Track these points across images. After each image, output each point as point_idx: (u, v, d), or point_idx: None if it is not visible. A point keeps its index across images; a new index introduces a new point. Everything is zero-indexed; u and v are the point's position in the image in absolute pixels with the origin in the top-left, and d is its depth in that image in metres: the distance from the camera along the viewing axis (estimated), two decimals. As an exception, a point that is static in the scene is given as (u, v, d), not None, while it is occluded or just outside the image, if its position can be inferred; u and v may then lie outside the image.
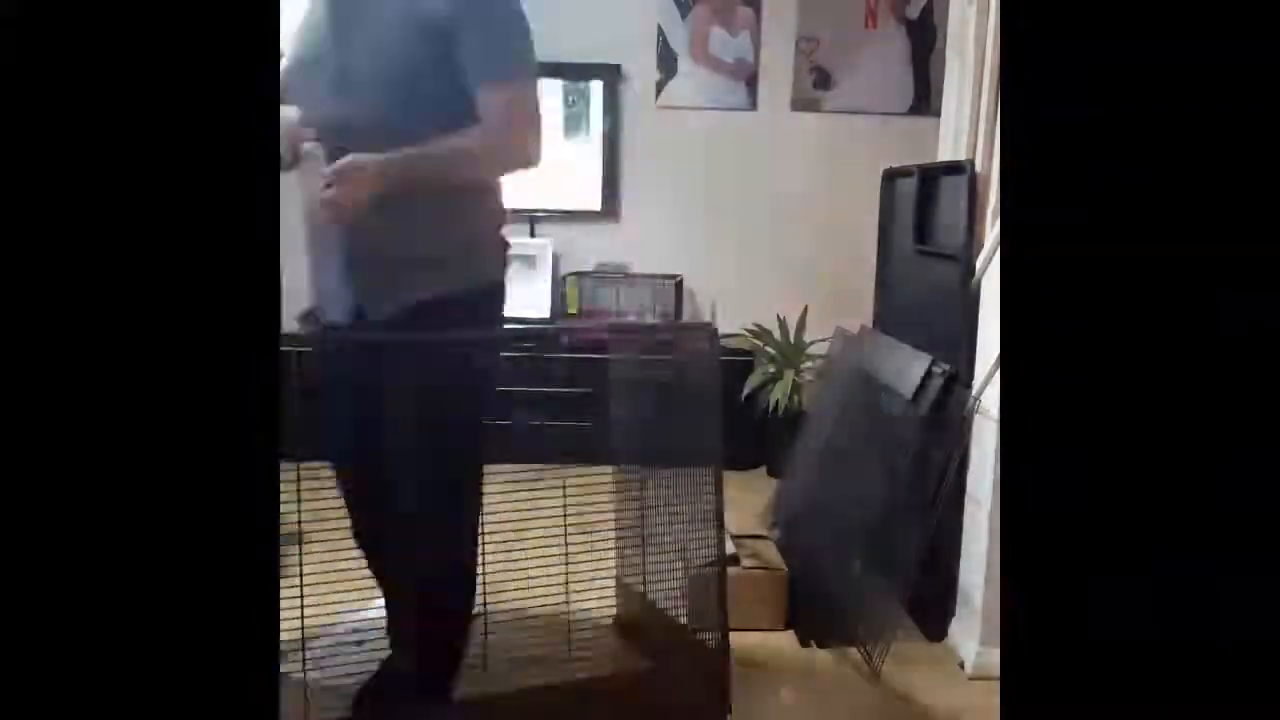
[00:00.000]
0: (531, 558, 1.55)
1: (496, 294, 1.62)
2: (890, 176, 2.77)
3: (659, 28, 3.72)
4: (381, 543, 1.59)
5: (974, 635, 2.06)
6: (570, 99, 3.72)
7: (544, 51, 3.37)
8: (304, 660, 1.52)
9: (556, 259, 3.72)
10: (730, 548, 2.43)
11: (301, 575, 1.33)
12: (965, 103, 2.26)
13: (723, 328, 3.33)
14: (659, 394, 1.83)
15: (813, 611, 2.25)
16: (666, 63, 3.74)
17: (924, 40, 3.69)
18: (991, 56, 2.14)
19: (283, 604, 0.92)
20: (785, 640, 2.21)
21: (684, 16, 3.71)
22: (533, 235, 3.75)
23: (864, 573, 2.31)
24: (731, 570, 2.34)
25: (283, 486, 0.91)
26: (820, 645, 2.18)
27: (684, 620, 1.86)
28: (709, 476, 1.67)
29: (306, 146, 1.38)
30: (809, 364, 3.45)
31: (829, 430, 2.79)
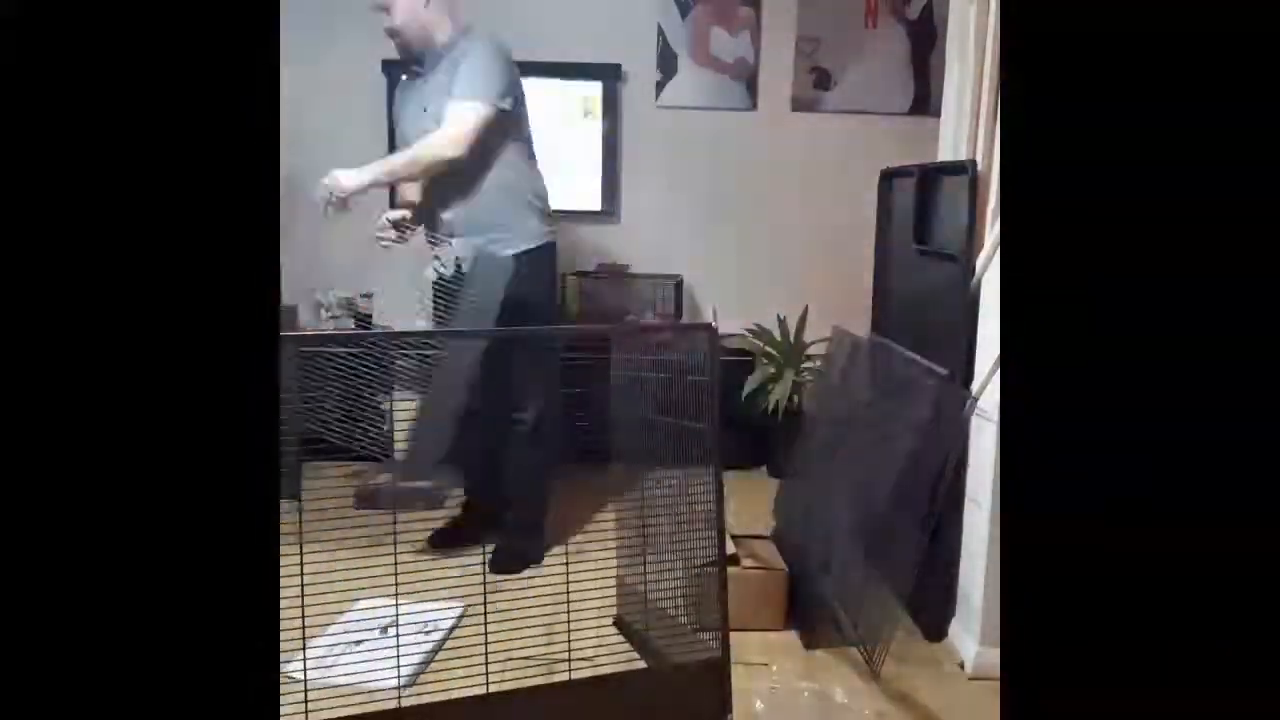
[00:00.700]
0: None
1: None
2: (888, 176, 2.77)
3: (659, 27, 3.72)
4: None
5: (974, 635, 2.06)
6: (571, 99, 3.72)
7: (545, 51, 3.39)
8: (304, 660, 1.52)
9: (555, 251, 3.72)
10: (730, 548, 2.44)
11: (302, 575, 1.33)
12: (965, 103, 2.26)
13: (723, 328, 3.32)
14: (659, 394, 1.84)
15: (813, 612, 2.25)
16: (666, 63, 3.74)
17: (924, 40, 3.69)
18: (992, 56, 2.14)
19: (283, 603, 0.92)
20: (785, 640, 2.21)
21: (684, 16, 3.71)
22: (533, 235, 3.75)
23: (864, 573, 2.31)
24: (731, 570, 2.34)
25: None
26: (820, 645, 2.18)
27: (684, 620, 1.86)
28: (708, 477, 1.67)
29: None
30: (809, 364, 3.45)
31: (828, 431, 2.79)
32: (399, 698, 1.46)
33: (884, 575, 2.29)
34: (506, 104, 2.40)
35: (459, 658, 1.52)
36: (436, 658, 1.88)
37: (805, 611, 2.26)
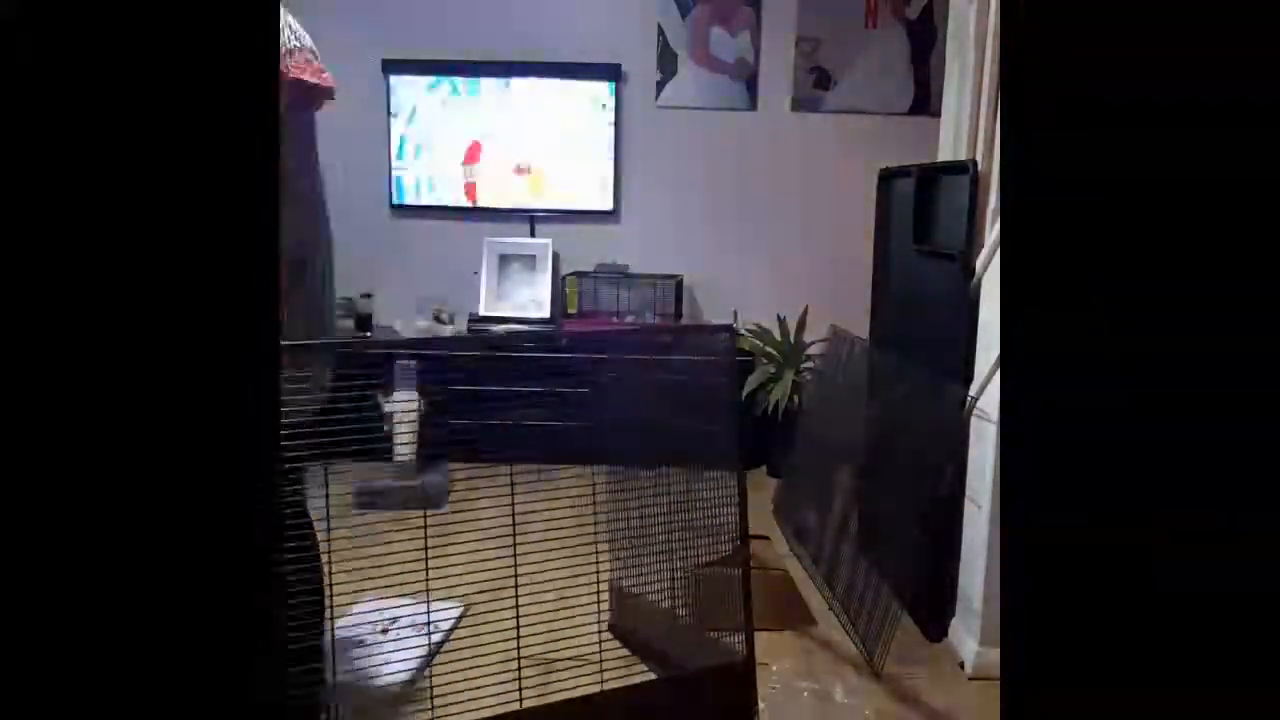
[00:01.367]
0: (539, 560, 1.55)
1: None
2: (887, 176, 2.77)
3: (659, 27, 3.72)
4: None
5: (974, 635, 2.06)
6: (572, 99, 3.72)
7: (544, 52, 3.39)
8: (333, 662, 1.52)
9: (557, 259, 3.73)
10: (729, 548, 2.44)
11: (330, 581, 1.33)
12: (965, 102, 2.26)
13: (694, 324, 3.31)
14: (676, 395, 1.85)
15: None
16: (666, 63, 3.74)
17: (924, 40, 3.69)
18: (992, 56, 2.14)
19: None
20: (785, 640, 2.22)
21: (684, 16, 3.71)
22: (533, 235, 3.75)
23: (865, 573, 2.31)
24: (731, 570, 2.34)
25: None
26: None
27: (688, 623, 1.86)
28: (727, 478, 1.68)
29: None
30: (808, 364, 3.46)
31: (828, 432, 2.79)
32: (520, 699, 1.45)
33: (884, 575, 2.29)
34: None
35: (476, 664, 1.50)
36: (446, 661, 1.87)
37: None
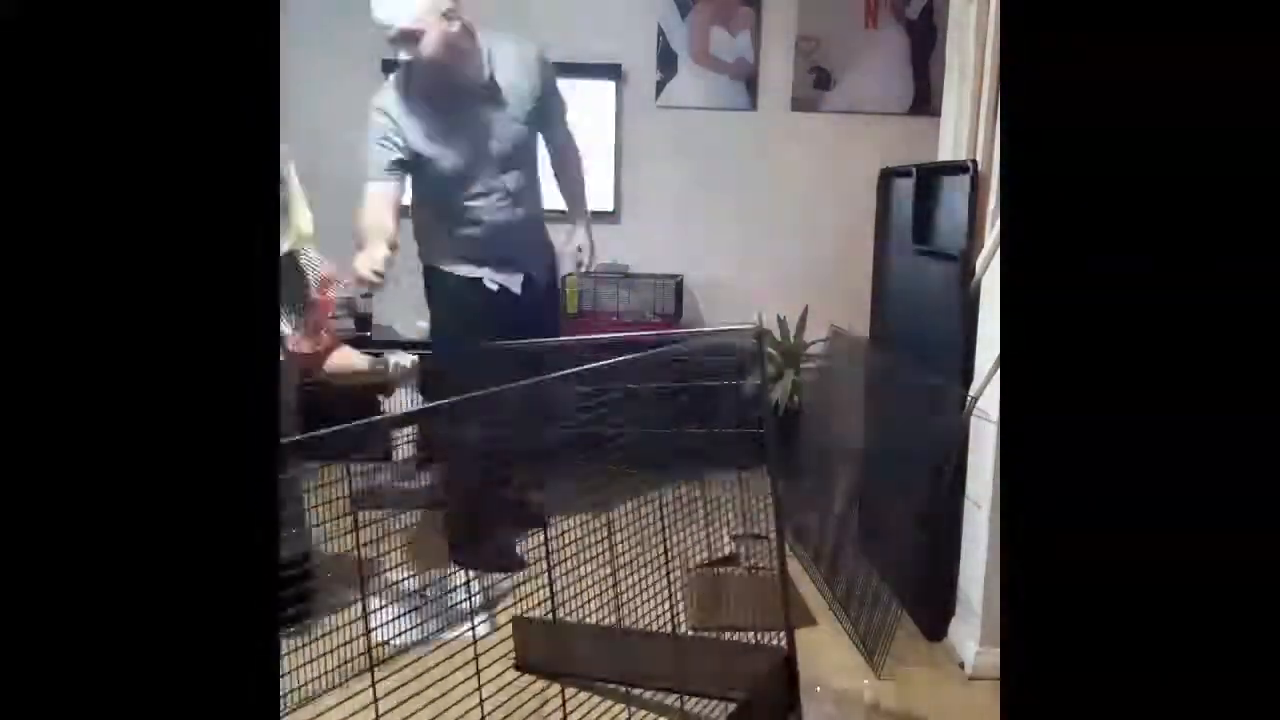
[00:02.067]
0: (579, 569, 1.56)
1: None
2: (887, 176, 2.77)
3: (659, 27, 3.72)
4: None
5: (974, 635, 2.06)
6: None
7: (545, 51, 3.38)
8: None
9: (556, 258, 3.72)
10: (730, 548, 2.44)
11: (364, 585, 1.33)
12: (965, 102, 2.26)
13: (721, 327, 3.31)
14: (705, 399, 1.84)
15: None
16: (666, 62, 3.74)
17: (924, 40, 3.69)
18: (992, 56, 2.14)
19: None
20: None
21: (684, 16, 3.71)
22: (533, 235, 3.74)
23: (864, 572, 2.31)
24: (731, 570, 2.34)
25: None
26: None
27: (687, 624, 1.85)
28: (760, 479, 1.68)
29: None
30: (808, 364, 3.45)
31: (828, 432, 2.79)
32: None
33: (884, 575, 2.29)
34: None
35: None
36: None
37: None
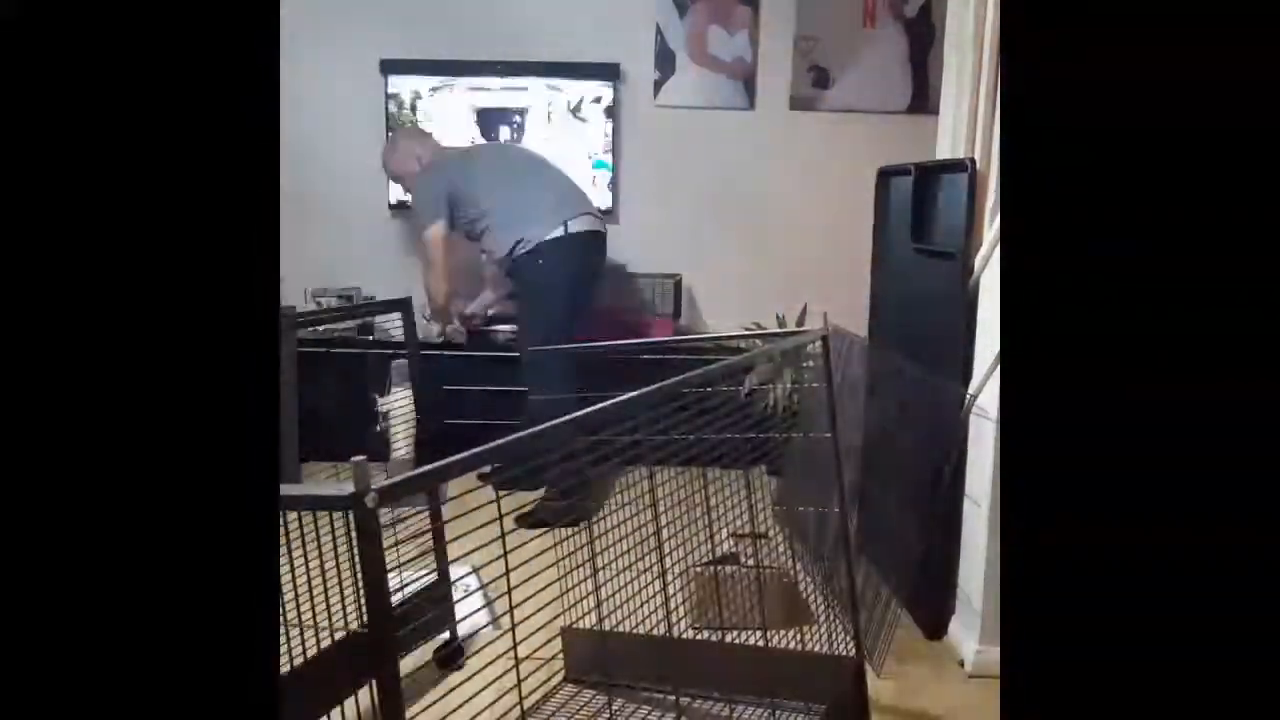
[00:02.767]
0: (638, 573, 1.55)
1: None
2: (885, 175, 2.77)
3: (657, 27, 3.72)
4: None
5: (974, 635, 2.06)
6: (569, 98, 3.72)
7: (543, 51, 3.39)
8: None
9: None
10: (729, 546, 2.43)
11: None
12: (964, 101, 2.26)
13: (722, 327, 3.31)
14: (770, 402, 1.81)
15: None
16: (665, 62, 3.74)
17: (922, 39, 3.69)
18: (990, 54, 2.14)
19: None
20: (785, 640, 2.21)
21: (682, 16, 3.71)
22: (531, 235, 3.74)
23: (864, 572, 2.31)
24: (731, 570, 2.34)
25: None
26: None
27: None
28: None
29: None
30: (808, 363, 3.45)
31: (828, 431, 2.78)
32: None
33: (884, 575, 2.29)
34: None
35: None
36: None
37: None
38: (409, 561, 1.73)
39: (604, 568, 1.57)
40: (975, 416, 2.08)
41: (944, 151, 2.41)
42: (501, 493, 1.68)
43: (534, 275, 3.03)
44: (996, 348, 1.89)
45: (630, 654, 1.73)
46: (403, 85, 3.73)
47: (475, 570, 2.28)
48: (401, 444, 3.07)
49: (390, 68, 3.72)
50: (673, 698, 1.66)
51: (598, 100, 3.71)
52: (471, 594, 2.20)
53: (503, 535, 1.06)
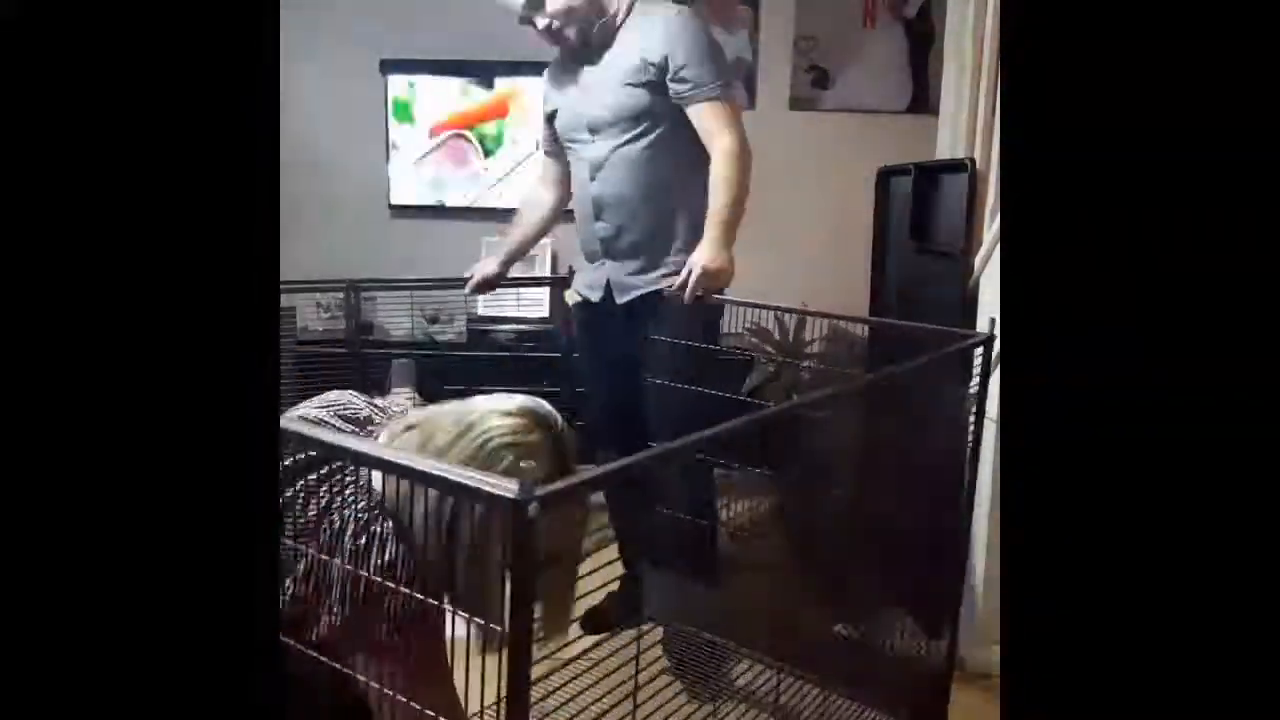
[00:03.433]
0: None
1: None
2: (885, 175, 2.77)
3: (657, 27, 3.72)
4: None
5: (974, 635, 2.06)
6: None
7: (542, 51, 3.37)
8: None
9: (556, 258, 3.72)
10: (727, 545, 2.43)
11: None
12: (963, 101, 2.26)
13: (723, 327, 3.31)
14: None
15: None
16: (665, 62, 3.74)
17: (922, 39, 3.69)
18: (990, 54, 2.14)
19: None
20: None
21: (682, 15, 3.71)
22: (531, 235, 3.74)
23: (864, 571, 2.31)
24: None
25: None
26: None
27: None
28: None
29: None
30: (808, 363, 3.45)
31: (828, 431, 2.78)
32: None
33: (884, 574, 2.28)
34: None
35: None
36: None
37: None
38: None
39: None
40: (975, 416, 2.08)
41: (944, 151, 2.41)
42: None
43: None
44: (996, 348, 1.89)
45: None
46: (402, 85, 3.72)
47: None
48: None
49: (390, 68, 3.71)
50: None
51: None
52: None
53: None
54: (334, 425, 1.24)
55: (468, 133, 3.74)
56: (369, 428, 1.28)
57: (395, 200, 3.77)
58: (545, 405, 1.19)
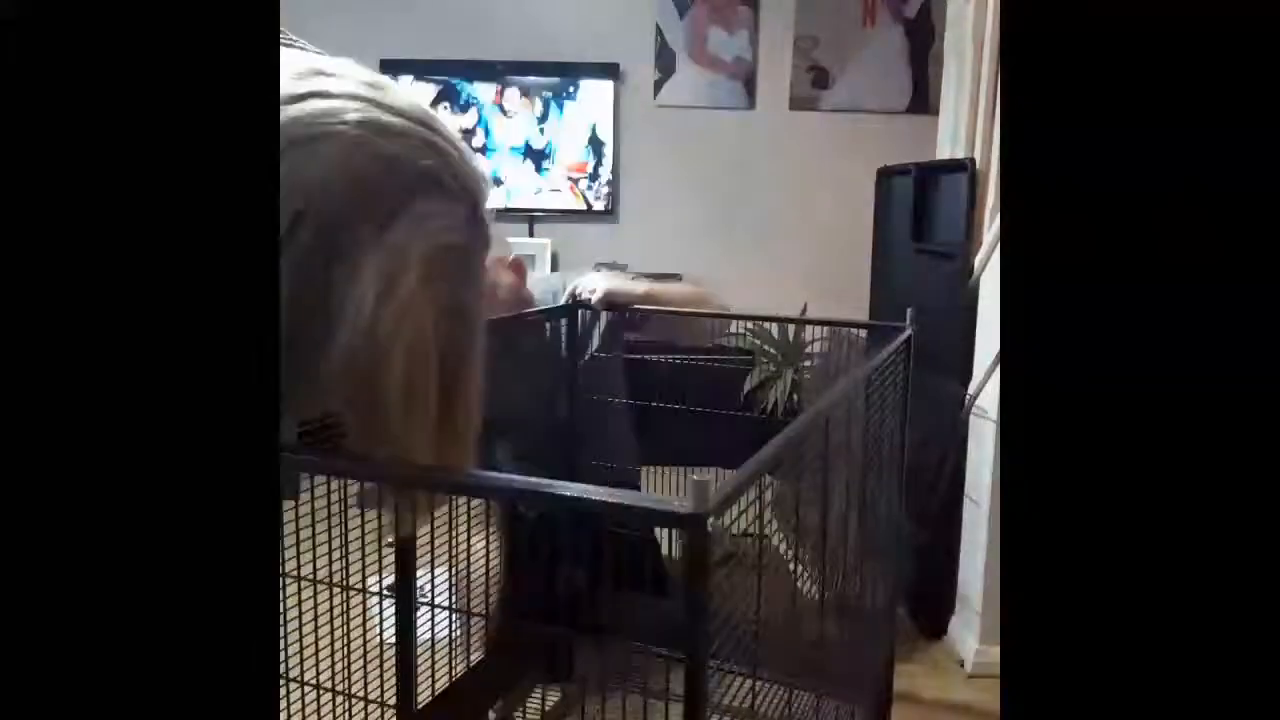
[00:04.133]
0: None
1: None
2: (886, 175, 2.77)
3: (657, 27, 3.72)
4: None
5: (974, 634, 2.06)
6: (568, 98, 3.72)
7: (543, 51, 3.39)
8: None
9: (555, 258, 3.72)
10: (729, 546, 2.43)
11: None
12: (963, 100, 2.26)
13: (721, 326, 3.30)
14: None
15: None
16: (665, 62, 3.74)
17: (922, 38, 3.69)
18: (990, 54, 2.14)
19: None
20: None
21: (682, 15, 3.71)
22: (531, 235, 3.75)
23: (864, 571, 2.31)
24: (738, 570, 2.34)
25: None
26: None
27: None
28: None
29: None
30: (808, 363, 3.45)
31: (827, 431, 2.78)
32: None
33: (884, 574, 2.29)
34: None
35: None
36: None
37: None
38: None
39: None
40: (975, 416, 2.09)
41: (944, 151, 2.41)
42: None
43: None
44: (996, 348, 1.89)
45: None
46: (402, 85, 3.72)
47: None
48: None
49: (390, 68, 3.72)
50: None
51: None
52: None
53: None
54: None
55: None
56: None
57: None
58: None
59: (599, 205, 3.77)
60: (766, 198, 3.82)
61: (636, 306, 1.98)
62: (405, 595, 1.29)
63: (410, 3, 3.72)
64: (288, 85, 0.82)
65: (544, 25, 3.70)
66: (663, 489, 2.13)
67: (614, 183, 3.77)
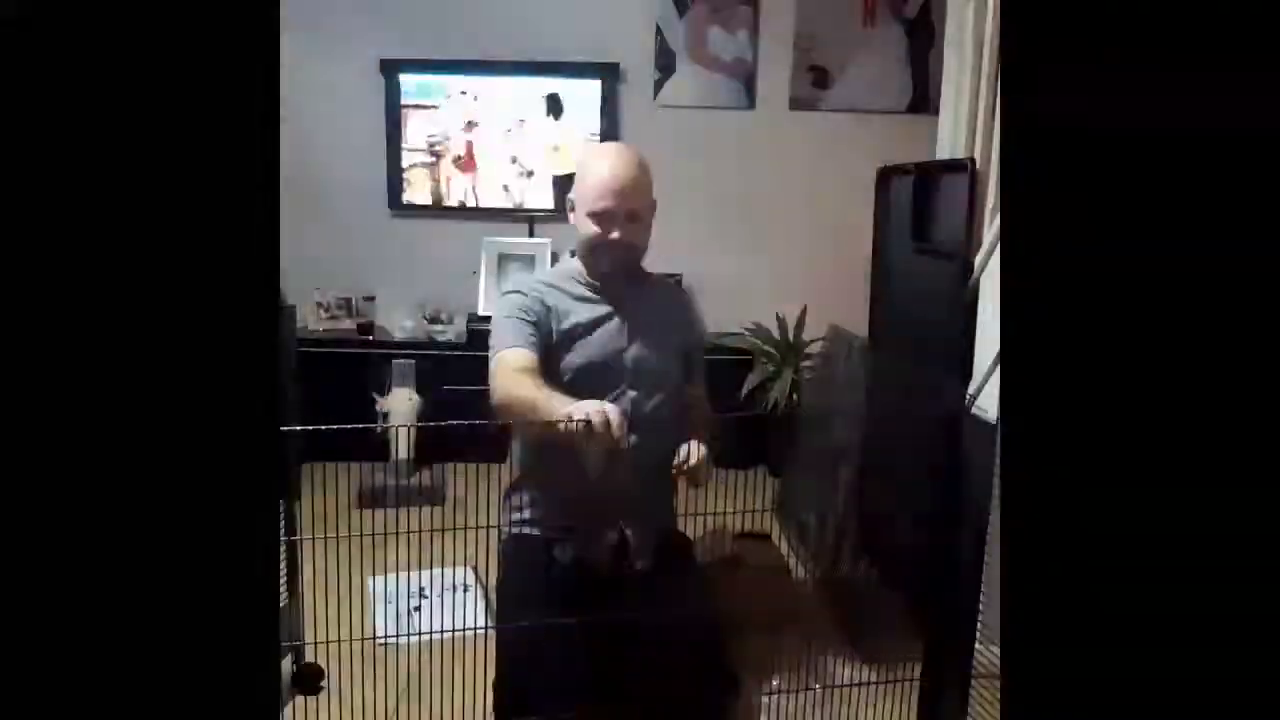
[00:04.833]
0: None
1: None
2: (886, 175, 2.77)
3: (657, 27, 3.72)
4: None
5: (974, 634, 2.06)
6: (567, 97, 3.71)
7: (542, 50, 3.37)
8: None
9: (555, 258, 3.72)
10: (730, 546, 2.44)
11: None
12: (964, 101, 2.26)
13: (722, 327, 3.31)
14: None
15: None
16: (664, 61, 3.74)
17: (922, 38, 3.69)
18: (990, 54, 2.14)
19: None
20: (785, 640, 2.21)
21: (682, 15, 3.71)
22: (531, 235, 3.75)
23: (864, 572, 2.32)
24: (740, 570, 2.34)
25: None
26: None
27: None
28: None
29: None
30: (807, 362, 3.45)
31: (828, 431, 2.79)
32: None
33: (884, 574, 2.29)
34: None
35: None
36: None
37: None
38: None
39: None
40: (975, 416, 2.08)
41: (944, 151, 2.41)
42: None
43: None
44: (996, 348, 1.89)
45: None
46: (402, 85, 3.72)
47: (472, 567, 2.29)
48: (401, 444, 3.08)
49: (390, 68, 3.72)
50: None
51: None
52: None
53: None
54: None
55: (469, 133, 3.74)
56: None
57: (396, 200, 3.77)
58: None
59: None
60: (766, 198, 3.82)
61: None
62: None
63: (410, 3, 3.72)
64: None
65: (544, 25, 3.70)
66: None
67: (614, 182, 3.77)
